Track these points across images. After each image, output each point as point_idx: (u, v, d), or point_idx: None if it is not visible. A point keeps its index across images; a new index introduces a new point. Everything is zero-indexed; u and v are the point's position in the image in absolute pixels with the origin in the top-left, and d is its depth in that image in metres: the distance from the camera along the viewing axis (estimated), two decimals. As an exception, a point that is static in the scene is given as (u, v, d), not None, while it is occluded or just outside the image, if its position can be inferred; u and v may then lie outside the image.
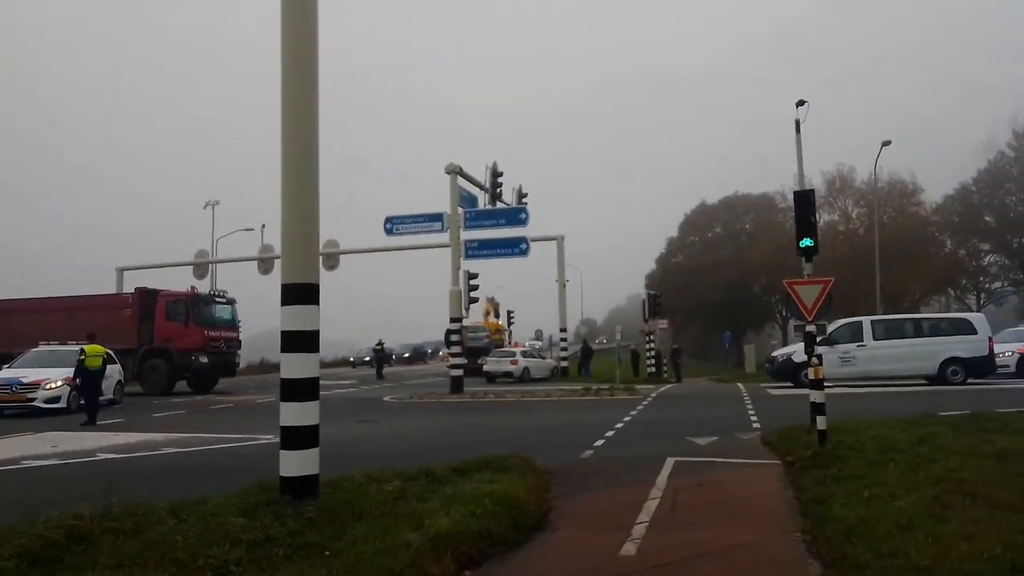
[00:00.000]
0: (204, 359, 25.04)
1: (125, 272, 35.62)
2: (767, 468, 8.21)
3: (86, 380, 15.85)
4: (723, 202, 57.58)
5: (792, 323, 35.66)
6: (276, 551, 4.69)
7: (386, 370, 37.40)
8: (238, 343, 28.04)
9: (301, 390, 5.92)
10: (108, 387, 18.90)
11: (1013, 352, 22.60)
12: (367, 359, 46.50)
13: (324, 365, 50.87)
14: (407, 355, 60.15)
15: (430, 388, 24.57)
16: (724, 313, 50.20)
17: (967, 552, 4.43)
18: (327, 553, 4.72)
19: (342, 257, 33.49)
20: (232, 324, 27.45)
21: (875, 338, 20.52)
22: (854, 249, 41.63)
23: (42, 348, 20.49)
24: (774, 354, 24.50)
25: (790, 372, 20.74)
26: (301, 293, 6.00)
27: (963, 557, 4.35)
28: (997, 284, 47.64)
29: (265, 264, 34.60)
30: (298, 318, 5.97)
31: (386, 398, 21.61)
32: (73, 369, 16.37)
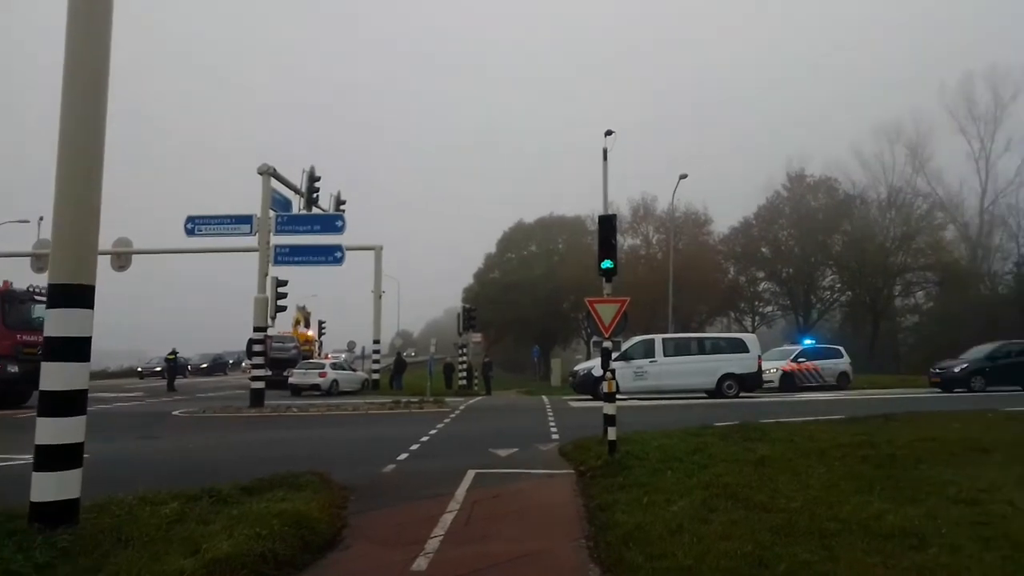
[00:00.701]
0: (13, 368, 20.88)
1: None
2: (562, 478, 8.58)
3: None
4: (539, 222, 60.01)
5: (594, 339, 37.78)
6: (17, 588, 4.13)
7: (179, 382, 34.51)
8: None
9: (64, 404, 5.32)
10: None
11: (777, 369, 25.68)
12: (158, 369, 42.75)
13: (107, 376, 46.11)
14: (204, 365, 56.00)
15: (227, 401, 23.05)
16: (535, 328, 52.16)
17: (725, 551, 4.91)
18: (82, 587, 4.23)
19: (137, 258, 30.61)
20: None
21: (665, 354, 22.29)
22: (652, 272, 45.16)
23: None
24: (576, 368, 25.76)
25: (590, 385, 21.88)
26: (71, 295, 5.41)
27: (721, 555, 4.82)
28: (769, 308, 53.86)
29: (40, 261, 30.66)
30: (66, 323, 5.39)
31: (176, 412, 19.93)
32: None
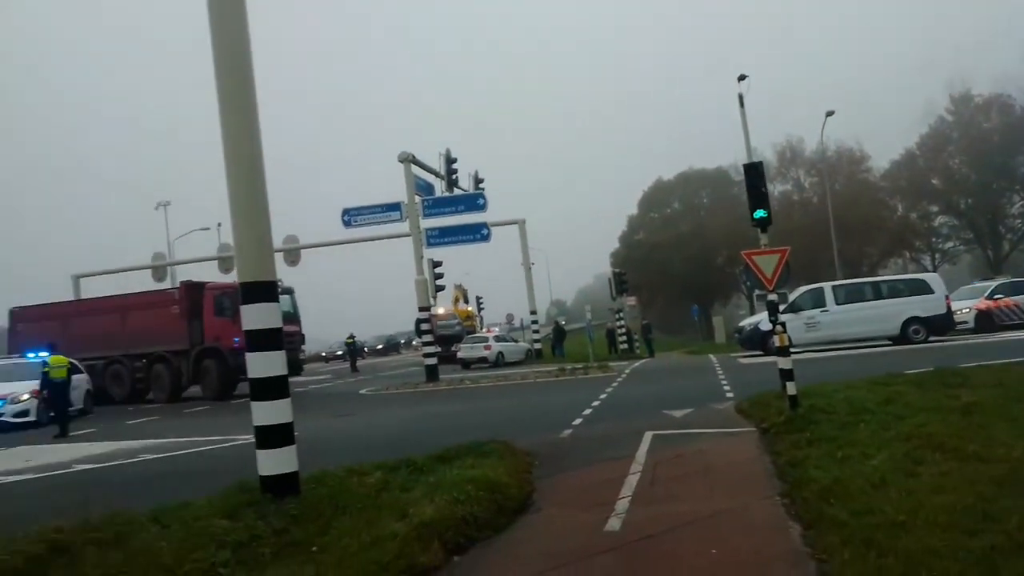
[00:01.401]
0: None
1: (81, 279, 34.70)
2: (743, 435, 8.38)
3: (53, 392, 15.49)
4: (679, 177, 58.09)
5: (756, 293, 36.28)
6: (262, 550, 4.67)
7: (360, 363, 37.16)
8: (301, 337, 24.89)
9: (272, 388, 5.85)
10: (77, 397, 18.54)
11: (971, 308, 23.31)
12: (339, 353, 46.12)
13: (296, 361, 50.37)
14: (380, 347, 59.79)
15: (405, 378, 24.49)
16: (689, 286, 50.81)
17: (940, 504, 4.59)
18: (314, 549, 4.71)
19: (303, 252, 33.09)
20: (291, 316, 23.60)
21: (837, 303, 20.95)
22: (809, 217, 42.44)
23: (4, 362, 19.96)
24: (742, 324, 24.88)
25: (758, 340, 21.07)
26: (260, 291, 5.92)
27: (937, 510, 4.50)
28: (950, 244, 48.92)
29: (225, 263, 33.93)
30: (260, 316, 5.89)
31: (362, 391, 21.50)
32: (38, 381, 15.99)
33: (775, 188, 46.67)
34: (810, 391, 9.60)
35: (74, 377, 17.26)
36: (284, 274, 23.35)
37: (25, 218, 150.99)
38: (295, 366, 23.65)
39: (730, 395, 12.04)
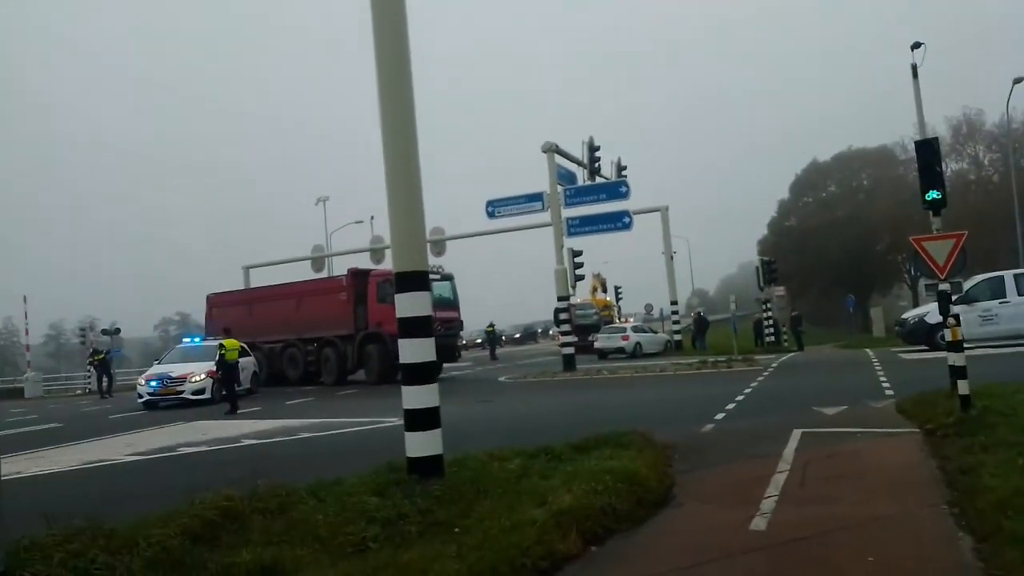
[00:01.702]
0: None
1: (251, 270, 37.86)
2: (904, 437, 7.76)
3: (226, 372, 17.05)
4: (836, 158, 54.37)
5: (923, 282, 33.38)
6: (409, 528, 4.89)
7: (498, 351, 38.00)
8: (459, 324, 25.23)
9: (420, 373, 6.12)
10: (245, 377, 20.34)
11: None
12: (479, 341, 47.43)
13: (438, 349, 52.27)
14: (517, 335, 60.83)
15: (543, 367, 24.76)
16: (845, 276, 47.53)
17: None
18: (456, 530, 4.87)
19: (448, 243, 34.20)
20: (450, 303, 23.93)
21: (1019, 293, 18.87)
22: (988, 198, 38.47)
23: (184, 344, 22.28)
24: (905, 316, 23.07)
25: (924, 334, 19.48)
26: (413, 281, 6.17)
27: None
28: None
29: (376, 255, 35.81)
30: (412, 304, 6.15)
31: (501, 378, 21.99)
32: (214, 362, 17.68)
33: (948, 167, 42.54)
34: (985, 391, 8.72)
35: (242, 360, 18.95)
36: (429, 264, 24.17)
37: (206, 215, 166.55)
38: (452, 352, 24.22)
39: (890, 393, 11.18)
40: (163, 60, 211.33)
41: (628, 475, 6.04)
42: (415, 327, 6.14)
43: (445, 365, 23.74)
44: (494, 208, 26.85)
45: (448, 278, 24.38)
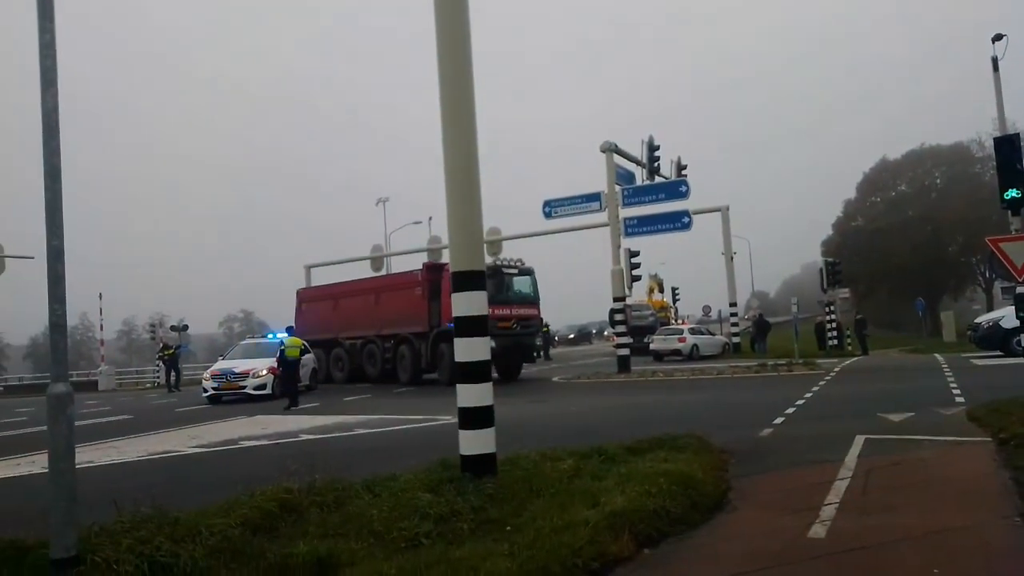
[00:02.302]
0: (491, 344, 21.86)
1: (312, 269, 38.76)
2: (975, 446, 7.43)
3: (287, 369, 17.53)
4: (908, 156, 52.51)
5: (999, 285, 31.89)
6: (461, 525, 4.94)
7: (552, 351, 37.95)
8: (539, 322, 23.76)
9: (475, 372, 6.16)
10: (305, 374, 20.87)
11: None
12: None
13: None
14: (572, 336, 60.64)
15: (597, 368, 24.61)
16: (914, 278, 45.82)
17: None
18: (508, 528, 4.89)
19: (505, 243, 34.31)
20: (530, 299, 22.51)
21: (1105, 298, 17.85)
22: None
23: (247, 341, 23.04)
24: (978, 320, 22.10)
25: (998, 339, 18.64)
26: (469, 280, 6.23)
27: None
28: None
29: (434, 255, 36.18)
30: (468, 304, 6.20)
31: (555, 378, 21.95)
32: (275, 359, 18.19)
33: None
34: (1065, 399, 8.30)
35: (304, 357, 19.44)
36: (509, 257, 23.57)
37: (275, 215, 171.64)
38: (531, 352, 22.70)
39: (960, 400, 10.72)
40: (228, 58, 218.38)
41: (683, 478, 5.96)
42: (471, 326, 6.19)
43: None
44: (551, 208, 26.77)
45: (528, 272, 22.81)
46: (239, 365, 20.36)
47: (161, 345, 33.10)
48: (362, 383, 23.39)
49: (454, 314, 6.30)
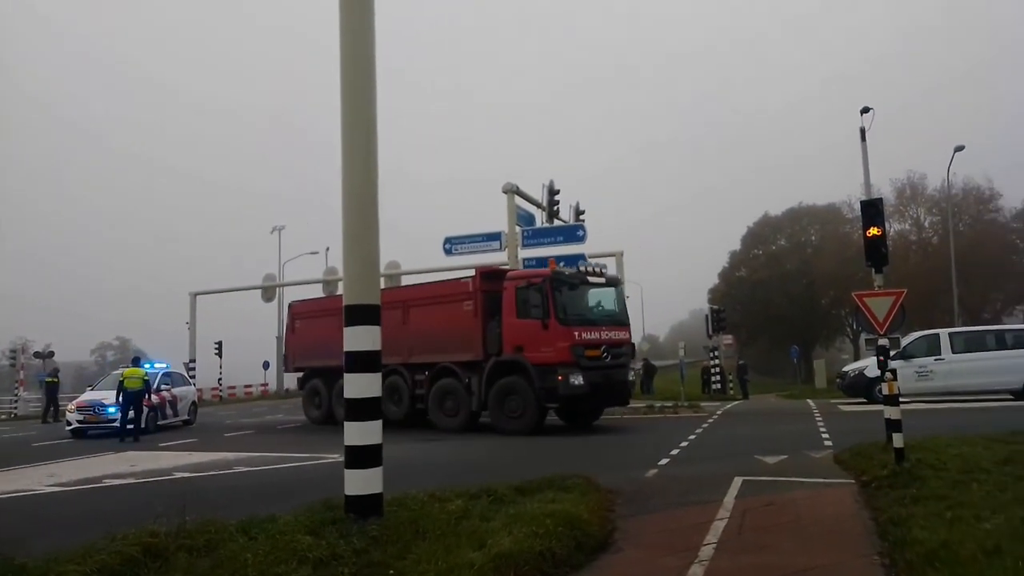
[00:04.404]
0: (577, 379, 14.65)
1: (198, 296, 36.95)
2: (841, 488, 7.90)
3: (126, 400, 16.73)
4: (788, 213, 56.18)
5: (864, 336, 34.42)
6: (342, 569, 4.75)
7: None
8: (632, 349, 17.84)
9: (364, 409, 6.00)
10: (183, 408, 19.71)
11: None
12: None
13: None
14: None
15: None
16: (791, 327, 48.80)
17: (1062, 579, 4.16)
18: (391, 572, 4.75)
19: (404, 278, 33.99)
20: (618, 319, 16.74)
21: (954, 351, 19.62)
22: (928, 259, 40.07)
23: (119, 371, 21.50)
24: (845, 369, 23.72)
25: (863, 387, 20.03)
26: (364, 314, 6.10)
27: (1058, 584, 4.09)
28: (1086, 293, 44.87)
29: (330, 286, 35.30)
30: (361, 338, 6.06)
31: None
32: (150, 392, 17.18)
33: (891, 227, 44.26)
34: (918, 445, 8.98)
35: (180, 390, 18.45)
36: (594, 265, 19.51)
37: (155, 238, 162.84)
38: (624, 389, 16.48)
39: (828, 444, 11.41)
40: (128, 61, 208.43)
41: (569, 519, 5.99)
42: (365, 362, 6.05)
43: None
44: (452, 245, 26.74)
45: (615, 283, 17.30)
46: (108, 397, 18.96)
47: (51, 370, 29.90)
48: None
49: (345, 348, 6.11)
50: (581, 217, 27.19)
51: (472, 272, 17.36)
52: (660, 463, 10.13)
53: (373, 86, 6.30)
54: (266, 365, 45.89)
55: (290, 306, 21.90)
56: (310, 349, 19.67)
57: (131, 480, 10.43)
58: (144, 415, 18.02)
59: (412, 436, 15.50)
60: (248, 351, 46.14)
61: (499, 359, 15.59)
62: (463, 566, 4.72)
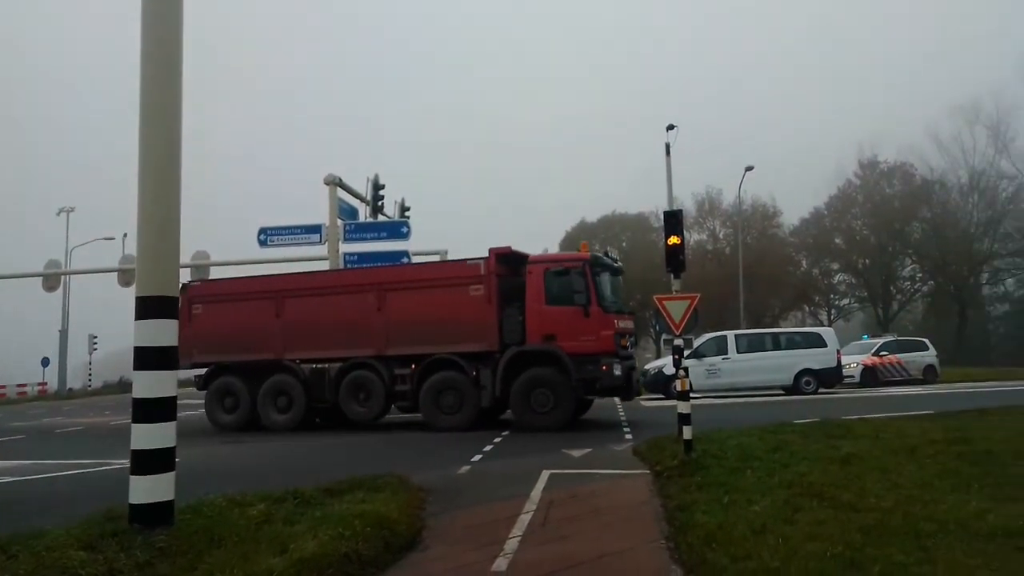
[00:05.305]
0: (618, 369, 13.86)
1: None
2: (638, 478, 8.47)
3: None
4: (602, 220, 59.57)
5: (663, 337, 37.28)
6: (121, 586, 4.34)
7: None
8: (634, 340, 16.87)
9: (156, 410, 5.52)
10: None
11: (858, 364, 24.76)
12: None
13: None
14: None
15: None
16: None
17: (813, 552, 4.75)
18: (179, 585, 4.42)
19: (213, 270, 31.84)
20: (627, 308, 16.64)
21: (739, 351, 21.78)
22: (721, 267, 44.39)
23: None
24: (646, 367, 25.46)
25: (661, 384, 21.59)
26: (158, 306, 5.62)
27: (809, 557, 4.66)
28: (845, 301, 51.99)
29: (126, 275, 32.20)
30: (154, 333, 5.58)
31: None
32: None
33: (691, 237, 48.69)
34: (705, 436, 9.86)
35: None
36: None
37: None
38: (633, 383, 15.13)
39: (629, 437, 12.21)
40: None
41: (378, 519, 5.93)
42: (159, 358, 5.58)
43: (185, 402, 16.11)
44: (267, 236, 25.46)
45: (618, 272, 16.50)
46: None
47: None
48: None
49: (135, 343, 5.59)
50: (406, 214, 27.07)
51: (471, 255, 15.08)
52: (473, 459, 10.29)
53: (179, 53, 5.81)
54: (45, 362, 41.13)
55: (185, 287, 16.92)
56: (220, 340, 16.15)
57: None
58: None
59: (212, 437, 14.56)
60: (22, 347, 41.00)
61: (522, 349, 14.20)
62: (261, 573, 4.50)
